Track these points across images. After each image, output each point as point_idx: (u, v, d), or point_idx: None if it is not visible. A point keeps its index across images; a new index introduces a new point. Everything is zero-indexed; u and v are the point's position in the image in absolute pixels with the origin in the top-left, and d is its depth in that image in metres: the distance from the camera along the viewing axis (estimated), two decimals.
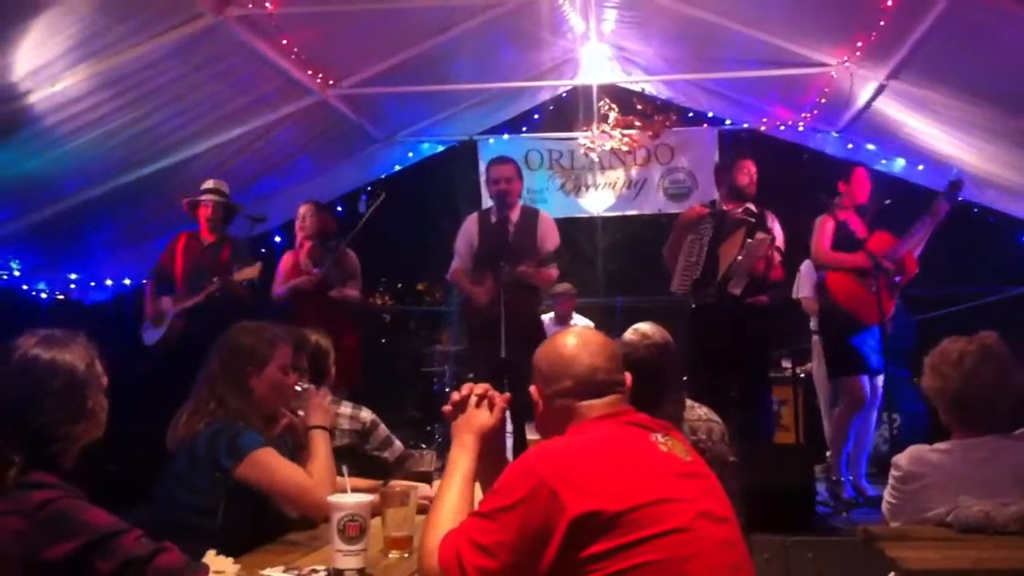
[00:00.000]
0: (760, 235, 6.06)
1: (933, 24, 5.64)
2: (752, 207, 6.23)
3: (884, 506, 3.14)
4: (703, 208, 6.40)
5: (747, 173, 6.29)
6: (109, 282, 8.01)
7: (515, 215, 6.41)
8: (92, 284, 7.92)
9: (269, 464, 2.95)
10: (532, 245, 6.33)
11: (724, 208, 6.27)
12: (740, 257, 6.03)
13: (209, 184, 6.66)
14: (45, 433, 2.19)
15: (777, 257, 6.17)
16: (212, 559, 2.33)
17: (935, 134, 7.27)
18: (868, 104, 7.40)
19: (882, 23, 6.00)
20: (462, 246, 6.53)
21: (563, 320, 8.26)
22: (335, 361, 4.43)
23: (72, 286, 7.73)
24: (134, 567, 2.05)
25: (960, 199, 6.40)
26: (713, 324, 6.11)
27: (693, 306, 6.26)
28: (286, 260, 6.95)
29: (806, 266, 6.70)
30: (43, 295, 7.43)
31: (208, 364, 3.22)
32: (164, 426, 3.14)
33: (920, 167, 8.05)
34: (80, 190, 6.72)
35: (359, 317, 7.13)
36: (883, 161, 8.51)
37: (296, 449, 3.29)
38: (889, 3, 5.73)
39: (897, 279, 6.09)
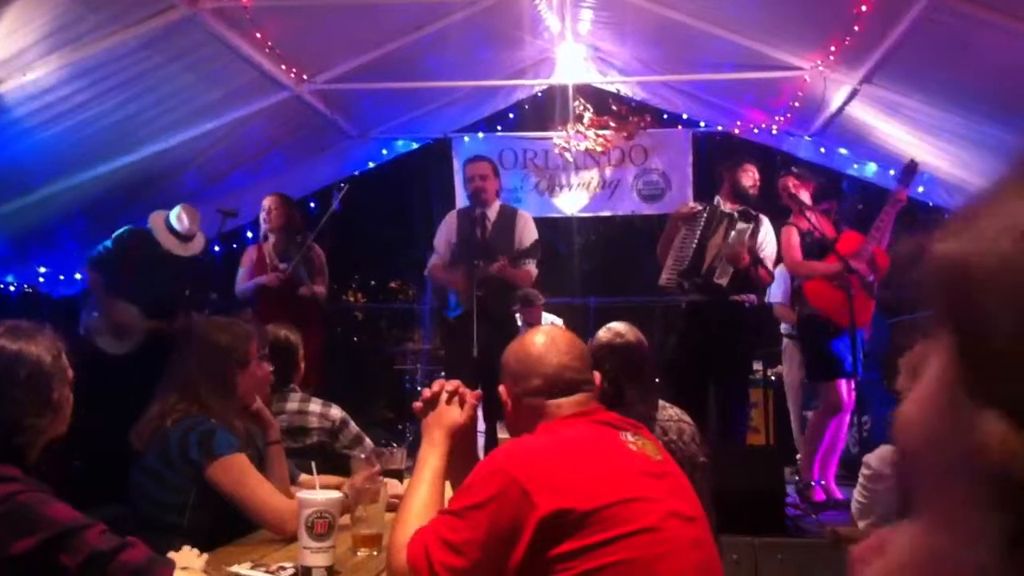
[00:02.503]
0: (741, 225, 6.13)
1: (907, 29, 5.67)
2: (748, 209, 6.30)
3: (853, 505, 3.16)
4: (696, 205, 6.47)
5: (751, 176, 6.37)
6: (78, 276, 7.94)
7: (493, 213, 6.45)
8: (61, 277, 7.85)
9: (243, 474, 2.90)
10: (510, 242, 6.37)
11: (722, 206, 6.34)
12: (723, 248, 6.10)
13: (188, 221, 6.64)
14: (9, 425, 2.16)
15: (767, 258, 6.24)
16: (178, 554, 2.31)
17: (907, 139, 7.31)
18: (841, 108, 7.44)
19: (856, 28, 6.03)
20: (441, 243, 6.58)
21: (532, 326, 8.20)
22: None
23: (41, 279, 7.66)
24: (98, 562, 2.03)
25: (921, 184, 6.42)
26: (703, 323, 6.17)
27: (683, 305, 6.31)
28: (250, 255, 6.90)
29: (779, 272, 6.73)
30: (11, 288, 7.36)
31: (181, 363, 3.17)
32: (131, 422, 3.11)
33: (892, 172, 8.07)
34: (50, 181, 6.65)
35: (327, 314, 7.10)
36: (855, 166, 8.56)
37: (266, 446, 3.28)
38: (863, 8, 5.75)
39: (871, 278, 6.13)
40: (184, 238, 6.64)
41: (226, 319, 3.36)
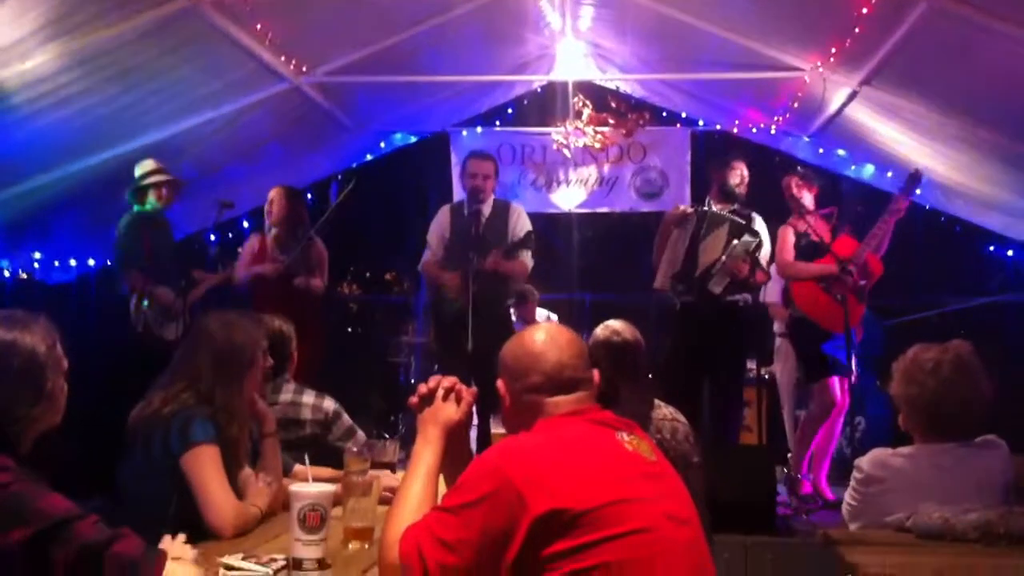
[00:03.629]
0: (747, 238, 6.11)
1: (907, 33, 5.67)
2: (739, 208, 6.29)
3: (844, 508, 3.15)
4: (689, 207, 6.45)
5: (738, 174, 6.35)
6: (73, 262, 7.94)
7: (487, 208, 6.44)
8: (56, 263, 7.84)
9: (204, 465, 2.87)
10: (504, 236, 6.36)
11: (712, 207, 6.32)
12: (724, 258, 6.07)
13: (154, 164, 6.64)
14: (2, 414, 2.15)
15: (762, 258, 6.24)
16: (170, 545, 2.31)
17: (905, 142, 7.32)
18: (840, 110, 7.45)
19: (857, 30, 6.03)
20: (434, 238, 6.54)
21: (527, 322, 8.17)
22: (299, 348, 4.41)
23: (36, 266, 7.65)
24: (91, 553, 2.02)
25: (918, 192, 6.42)
26: (697, 323, 6.16)
27: (678, 306, 6.30)
28: (251, 244, 6.88)
29: (773, 271, 6.72)
30: (5, 273, 7.35)
31: (194, 357, 3.13)
32: (126, 411, 3.09)
33: (889, 174, 8.10)
34: (47, 168, 6.63)
35: (324, 305, 7.08)
36: (853, 167, 8.58)
37: (261, 438, 3.27)
38: (864, 10, 5.76)
39: (862, 283, 6.11)
40: (161, 171, 6.66)
41: (237, 315, 3.32)
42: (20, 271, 7.51)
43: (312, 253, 6.74)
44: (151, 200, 6.60)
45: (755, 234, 6.20)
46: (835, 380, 6.22)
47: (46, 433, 2.29)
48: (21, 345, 2.20)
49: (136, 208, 6.63)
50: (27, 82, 5.61)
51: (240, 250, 6.93)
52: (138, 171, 6.62)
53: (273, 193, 6.80)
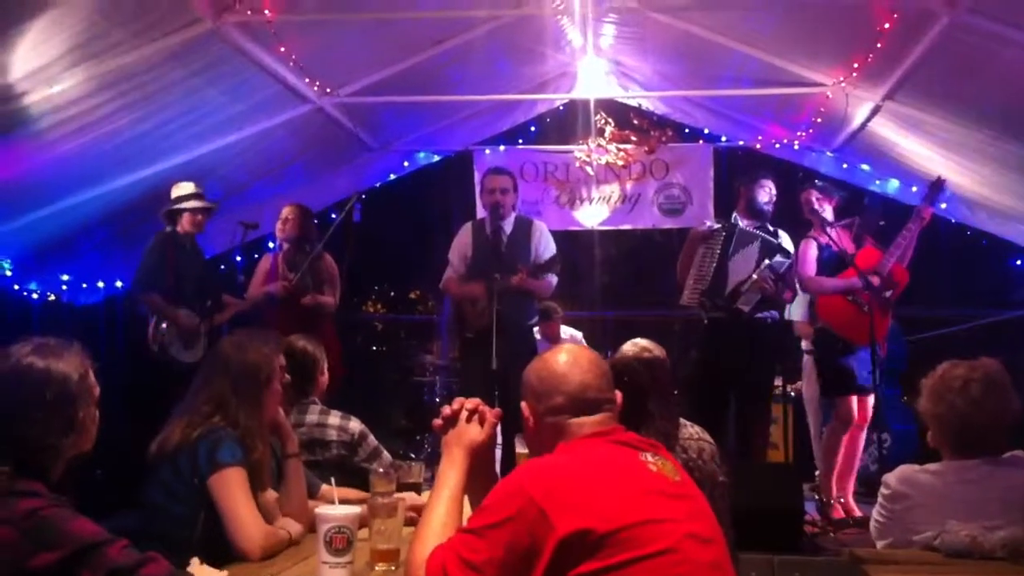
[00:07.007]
0: (779, 258, 6.09)
1: (929, 46, 5.65)
2: (766, 225, 6.28)
3: (872, 525, 3.14)
4: (716, 224, 6.44)
5: (768, 192, 6.34)
6: (101, 284, 7.98)
7: (508, 225, 6.44)
8: (84, 286, 7.90)
9: (233, 488, 2.88)
10: (526, 254, 6.35)
11: (740, 223, 6.30)
12: (755, 276, 6.05)
13: (192, 187, 6.64)
14: (34, 444, 2.18)
15: (792, 277, 6.23)
16: (197, 568, 2.32)
17: (929, 156, 7.28)
18: (863, 125, 7.41)
19: (879, 45, 6.02)
20: (455, 256, 6.55)
21: (551, 340, 8.18)
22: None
23: (63, 287, 7.70)
24: None
25: (943, 201, 6.39)
26: (725, 339, 6.14)
27: (705, 321, 6.29)
28: (264, 263, 6.94)
29: (798, 287, 6.70)
30: (34, 295, 7.40)
31: (212, 380, 3.16)
32: (150, 430, 3.11)
33: (914, 188, 8.05)
34: (74, 191, 6.68)
35: (339, 323, 7.08)
36: (877, 182, 8.53)
37: (284, 459, 3.28)
38: (886, 25, 5.75)
39: (888, 294, 6.09)
40: (198, 196, 6.66)
41: (250, 334, 3.34)
42: (48, 293, 7.56)
43: (321, 269, 6.75)
44: (185, 224, 6.62)
45: (788, 255, 6.19)
46: (853, 396, 6.20)
47: (77, 457, 2.31)
48: (54, 374, 2.22)
49: (168, 229, 6.64)
50: (54, 106, 5.66)
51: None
52: (175, 192, 6.63)
53: (287, 211, 6.82)
